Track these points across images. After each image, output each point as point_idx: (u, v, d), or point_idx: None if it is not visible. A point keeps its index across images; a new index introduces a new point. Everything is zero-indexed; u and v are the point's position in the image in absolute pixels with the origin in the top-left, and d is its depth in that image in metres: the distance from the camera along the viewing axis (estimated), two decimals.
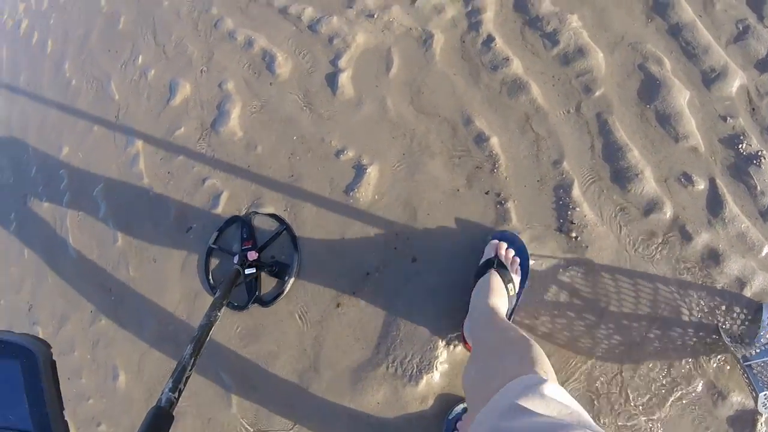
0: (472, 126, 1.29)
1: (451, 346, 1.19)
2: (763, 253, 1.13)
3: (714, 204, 1.17)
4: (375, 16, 1.45)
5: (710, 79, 1.25)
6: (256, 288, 1.32)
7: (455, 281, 1.22)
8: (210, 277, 1.39)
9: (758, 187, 1.17)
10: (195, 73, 1.51)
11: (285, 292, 1.30)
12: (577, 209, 1.20)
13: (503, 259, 1.10)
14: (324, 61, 1.42)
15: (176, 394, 0.89)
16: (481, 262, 1.13)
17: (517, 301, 1.13)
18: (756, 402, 1.02)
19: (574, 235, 1.20)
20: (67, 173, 1.82)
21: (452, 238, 1.25)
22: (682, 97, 1.23)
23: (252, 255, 1.28)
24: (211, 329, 1.05)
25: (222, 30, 1.53)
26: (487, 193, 1.25)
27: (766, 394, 1.02)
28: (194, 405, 1.35)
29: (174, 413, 0.87)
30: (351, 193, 1.31)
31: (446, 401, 1.18)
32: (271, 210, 1.37)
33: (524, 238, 1.23)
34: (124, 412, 1.45)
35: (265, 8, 1.55)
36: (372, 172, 1.31)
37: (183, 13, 1.60)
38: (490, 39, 1.36)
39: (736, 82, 1.24)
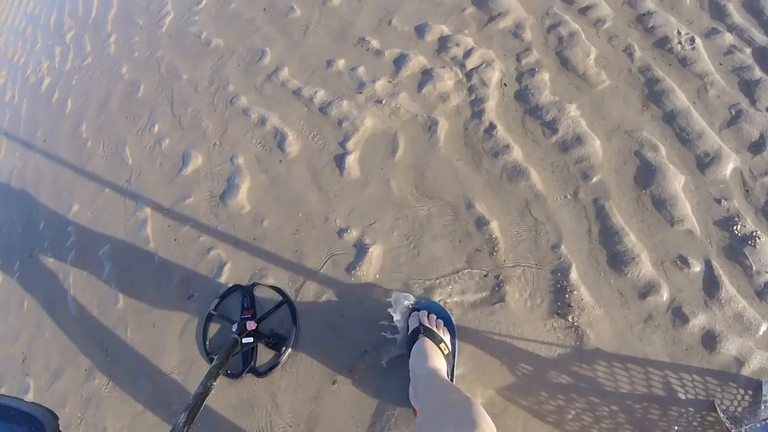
0: (473, 210, 1.31)
1: None
2: (761, 332, 1.11)
3: (710, 285, 1.17)
4: (383, 102, 1.52)
5: (704, 163, 1.29)
6: (252, 358, 1.29)
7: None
8: (207, 344, 1.36)
9: (754, 268, 1.17)
10: (208, 145, 1.55)
11: (280, 364, 1.27)
12: (575, 293, 1.20)
13: (428, 324, 1.13)
14: (333, 142, 1.47)
15: None
16: (408, 333, 1.15)
17: (453, 358, 1.15)
18: None
19: (570, 317, 1.20)
20: (74, 231, 1.82)
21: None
22: (677, 181, 1.25)
23: (251, 324, 1.27)
24: (205, 398, 1.03)
25: (237, 106, 1.59)
26: (486, 276, 1.26)
27: None
28: None
29: None
30: (352, 272, 1.30)
31: None
32: (273, 282, 1.37)
33: (523, 316, 1.23)
34: None
35: (279, 89, 1.62)
36: (374, 252, 1.31)
37: (201, 88, 1.67)
38: (492, 127, 1.42)
39: (730, 165, 1.27)
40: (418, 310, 1.19)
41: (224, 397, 1.32)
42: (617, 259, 1.22)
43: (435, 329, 1.13)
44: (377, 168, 1.40)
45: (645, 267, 1.20)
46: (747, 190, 1.25)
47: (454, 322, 1.20)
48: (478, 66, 1.52)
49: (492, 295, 1.23)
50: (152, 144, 1.64)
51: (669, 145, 1.32)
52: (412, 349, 1.10)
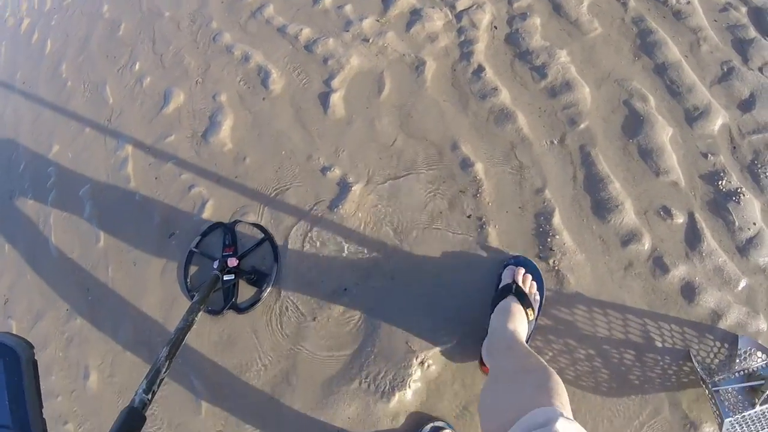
0: (458, 151, 1.29)
1: (425, 365, 1.17)
2: (740, 288, 1.12)
3: (692, 238, 1.18)
4: (370, 40, 1.46)
5: (693, 117, 1.27)
6: (233, 294, 1.29)
7: (433, 302, 1.20)
8: (188, 281, 1.35)
9: (736, 223, 1.17)
10: (190, 83, 1.50)
11: (261, 301, 1.27)
12: (557, 237, 1.20)
13: (522, 285, 1.10)
14: (318, 80, 1.41)
15: (149, 396, 0.88)
16: (499, 286, 1.12)
17: (535, 324, 1.12)
18: (721, 429, 1.02)
19: (551, 261, 1.20)
20: (55, 171, 1.77)
21: (432, 259, 1.23)
22: (664, 133, 1.24)
23: (232, 261, 1.26)
24: (187, 333, 1.02)
25: (220, 44, 1.53)
26: (468, 217, 1.25)
27: (731, 421, 1.01)
28: (164, 409, 1.31)
29: (146, 415, 0.86)
30: (335, 210, 1.28)
31: (417, 420, 1.14)
32: (255, 220, 1.35)
33: (499, 260, 1.23)
34: (92, 413, 1.38)
35: (264, 26, 1.55)
36: (357, 191, 1.29)
37: (183, 26, 1.59)
38: (480, 69, 1.38)
39: (719, 120, 1.26)
40: (516, 265, 1.16)
41: (205, 334, 1.32)
42: (601, 206, 1.21)
43: (527, 291, 1.10)
44: (362, 107, 1.36)
45: (628, 215, 1.20)
46: (734, 147, 1.24)
47: (545, 288, 1.17)
48: (469, 7, 1.47)
49: (475, 235, 1.23)
50: (133, 83, 1.58)
51: (658, 97, 1.30)
52: (498, 306, 1.07)
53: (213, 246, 1.35)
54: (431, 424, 1.11)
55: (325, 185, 1.32)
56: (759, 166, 1.22)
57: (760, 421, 1.04)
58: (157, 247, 1.41)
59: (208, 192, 1.38)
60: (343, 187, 1.30)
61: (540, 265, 1.22)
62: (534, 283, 1.12)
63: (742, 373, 1.05)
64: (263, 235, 1.32)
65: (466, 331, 1.21)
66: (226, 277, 1.24)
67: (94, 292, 1.46)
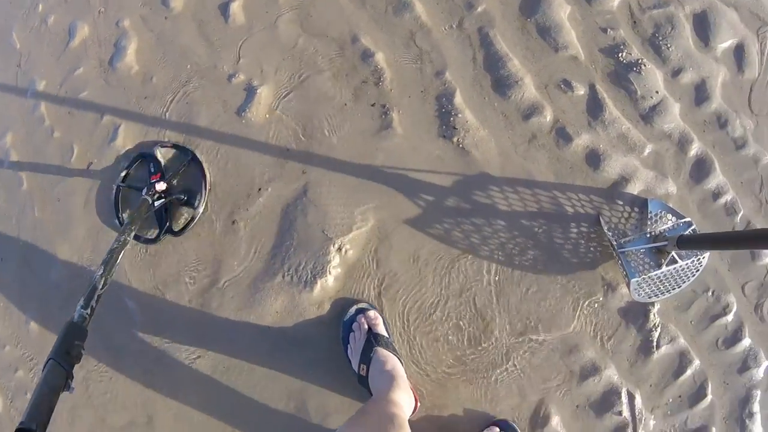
0: (358, 44, 1.31)
1: (343, 251, 1.22)
2: (646, 153, 1.20)
3: (594, 108, 1.24)
4: None
5: None
6: (167, 219, 1.27)
7: (343, 191, 1.24)
8: (120, 216, 1.32)
9: (638, 92, 1.23)
10: (93, 14, 1.47)
11: (195, 219, 1.27)
12: (459, 115, 1.25)
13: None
14: None
15: (88, 311, 0.90)
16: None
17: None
18: (629, 288, 1.07)
19: (455, 139, 1.26)
20: None
21: (341, 151, 1.27)
22: (562, 10, 1.28)
23: (160, 186, 1.23)
24: (120, 252, 1.02)
25: None
26: (373, 105, 1.29)
27: (638, 281, 1.07)
28: (102, 336, 1.32)
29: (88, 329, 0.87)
30: (243, 114, 1.30)
31: (341, 305, 1.20)
32: (173, 140, 1.33)
33: (407, 146, 1.27)
34: (38, 354, 1.37)
35: None
36: (263, 93, 1.30)
37: None
38: None
39: None
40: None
41: (134, 255, 1.32)
42: (501, 83, 1.27)
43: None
44: (262, 12, 1.37)
45: (528, 90, 1.26)
46: (635, 22, 1.30)
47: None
48: None
49: (380, 122, 1.28)
50: (38, 24, 1.53)
51: None
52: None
53: (140, 177, 1.34)
54: (355, 306, 1.17)
55: (232, 91, 1.33)
56: (660, 38, 1.29)
57: (668, 281, 1.11)
58: (78, 179, 1.40)
59: (120, 117, 1.37)
60: (250, 91, 1.32)
61: (445, 144, 1.26)
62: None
63: (648, 235, 1.10)
64: (186, 154, 1.30)
65: (381, 206, 1.24)
66: (156, 203, 1.21)
67: (24, 236, 1.44)
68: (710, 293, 1.18)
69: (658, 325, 1.17)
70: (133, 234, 1.09)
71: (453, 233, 1.20)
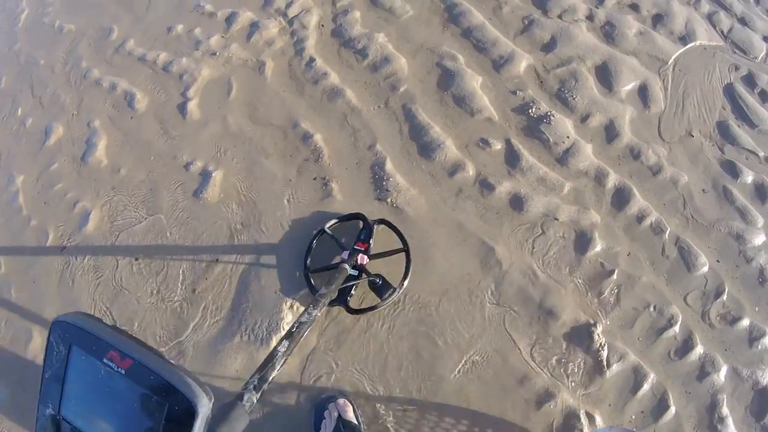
0: (299, 128, 1.48)
1: (294, 308, 1.30)
2: (565, 191, 1.32)
3: (512, 158, 1.37)
4: (217, 53, 1.67)
5: (500, 64, 1.49)
6: (348, 292, 1.21)
7: (293, 255, 1.35)
8: (309, 258, 1.28)
9: (551, 140, 1.37)
10: (67, 116, 1.66)
11: (375, 311, 1.21)
12: (391, 179, 1.38)
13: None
14: (176, 94, 1.59)
15: (258, 394, 0.71)
16: None
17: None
18: None
19: (389, 200, 1.38)
20: None
21: (288, 219, 1.39)
22: (475, 81, 1.46)
23: (362, 258, 1.19)
24: (308, 328, 0.89)
25: (90, 79, 1.70)
26: (314, 179, 1.44)
27: None
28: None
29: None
30: (200, 195, 1.45)
31: (300, 359, 1.26)
32: (137, 216, 1.49)
33: (349, 206, 1.38)
34: (14, 425, 1.40)
35: (127, 58, 1.72)
36: (217, 176, 1.45)
37: (57, 69, 1.76)
38: (312, 60, 1.60)
39: (524, 63, 1.47)
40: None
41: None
42: (426, 148, 1.43)
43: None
44: (215, 108, 1.56)
45: (451, 151, 1.42)
46: (541, 81, 1.48)
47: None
48: (299, 13, 1.71)
49: (322, 192, 1.43)
50: (17, 126, 1.72)
51: (467, 55, 1.55)
52: None
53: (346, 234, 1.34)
54: (327, 394, 1.21)
55: (190, 177, 1.49)
56: (566, 91, 1.46)
57: None
58: (52, 261, 1.52)
59: (91, 204, 1.52)
60: (205, 176, 1.48)
61: (381, 205, 1.40)
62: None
63: None
64: (403, 245, 1.25)
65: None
66: (351, 272, 1.16)
67: (1, 315, 1.54)
68: (652, 308, 1.22)
69: (604, 345, 1.21)
70: (325, 306, 0.98)
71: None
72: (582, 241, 1.32)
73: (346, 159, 1.44)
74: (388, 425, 1.16)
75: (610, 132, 1.43)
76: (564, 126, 1.43)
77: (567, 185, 1.36)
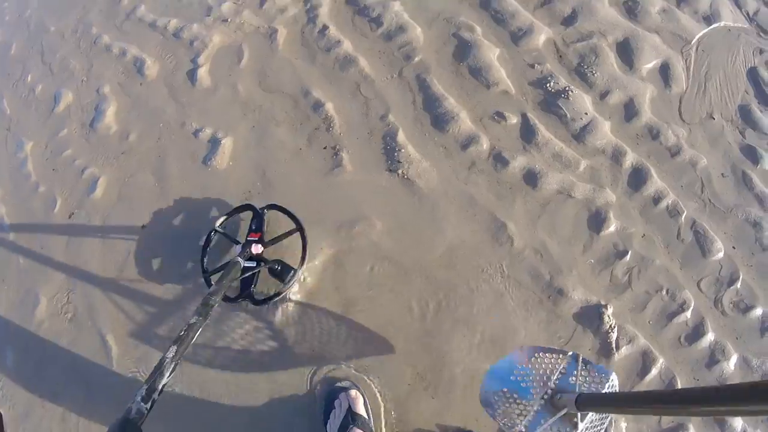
0: (310, 96, 1.45)
1: (302, 278, 1.27)
2: (581, 168, 1.28)
3: (527, 133, 1.33)
4: (229, 20, 1.63)
5: (518, 36, 1.42)
6: (251, 283, 1.18)
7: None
8: (205, 261, 1.25)
9: (568, 116, 1.33)
10: (77, 83, 1.65)
11: (281, 295, 1.19)
12: (403, 151, 1.35)
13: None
14: (185, 60, 1.56)
15: (149, 405, 0.70)
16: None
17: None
18: None
19: (400, 172, 1.36)
20: None
21: (298, 189, 1.37)
22: (492, 53, 1.41)
23: (257, 248, 1.16)
24: (199, 330, 0.86)
25: (100, 45, 1.68)
26: (324, 148, 1.41)
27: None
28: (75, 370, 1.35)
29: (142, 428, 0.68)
30: (208, 162, 1.42)
31: (328, 382, 1.20)
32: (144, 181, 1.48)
33: (356, 181, 1.37)
34: (19, 391, 1.38)
35: (137, 24, 1.69)
36: (226, 144, 1.43)
37: (67, 35, 1.75)
38: (325, 28, 1.55)
39: (543, 36, 1.41)
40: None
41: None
42: (439, 120, 1.39)
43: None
44: (225, 75, 1.53)
45: (465, 123, 1.37)
46: (560, 56, 1.44)
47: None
48: None
49: (332, 162, 1.41)
50: (27, 92, 1.71)
51: (485, 26, 1.49)
52: None
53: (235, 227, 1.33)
54: (339, 384, 1.18)
55: (199, 145, 1.47)
56: (585, 66, 1.42)
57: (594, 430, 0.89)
58: (60, 228, 1.52)
59: (99, 170, 1.51)
60: (214, 143, 1.46)
61: (392, 177, 1.37)
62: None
63: (543, 402, 0.87)
64: (295, 225, 1.22)
65: (335, 236, 1.31)
66: (247, 264, 1.14)
67: (8, 281, 1.54)
68: (664, 292, 1.20)
69: (614, 327, 1.19)
70: (216, 305, 0.93)
71: (406, 253, 1.28)
72: (596, 221, 1.29)
73: (357, 129, 1.41)
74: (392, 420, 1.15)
75: (630, 110, 1.38)
76: (582, 102, 1.39)
77: (583, 163, 1.33)
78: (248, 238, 1.18)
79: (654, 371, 1.17)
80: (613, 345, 1.19)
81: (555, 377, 0.90)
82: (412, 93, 1.43)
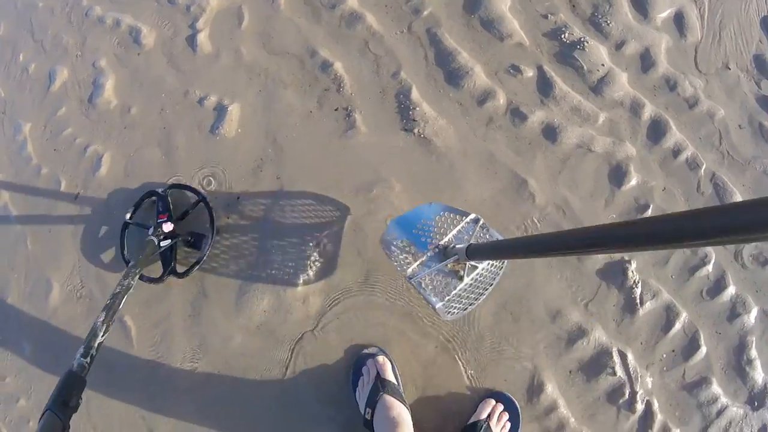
0: (317, 57, 1.39)
1: (321, 246, 1.28)
2: (600, 121, 1.26)
3: (544, 86, 1.30)
4: None
5: None
6: (172, 260, 1.24)
7: (317, 190, 1.30)
8: (125, 253, 1.30)
9: (585, 67, 1.30)
10: (71, 58, 1.57)
11: (201, 263, 1.23)
12: (418, 109, 1.31)
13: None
14: (183, 26, 1.48)
15: (88, 359, 0.88)
16: (470, 421, 1.08)
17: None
18: (439, 314, 0.96)
19: (416, 130, 1.33)
20: None
21: (310, 153, 1.33)
22: (503, 4, 1.35)
23: (167, 226, 1.21)
24: (123, 297, 1.01)
25: (92, 17, 1.59)
26: (336, 110, 1.36)
27: (443, 304, 0.95)
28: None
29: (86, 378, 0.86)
30: (216, 131, 1.37)
31: (323, 299, 1.23)
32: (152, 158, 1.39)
33: (371, 142, 1.34)
34: (38, 379, 1.38)
35: None
36: (233, 111, 1.37)
37: (57, 11, 1.66)
38: None
39: None
40: (496, 400, 1.10)
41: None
42: (453, 75, 1.35)
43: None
44: (227, 39, 1.46)
45: (480, 78, 1.33)
46: (573, 5, 1.39)
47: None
48: None
49: (345, 124, 1.37)
50: (20, 73, 1.64)
51: None
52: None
53: (147, 215, 1.36)
54: (366, 351, 1.17)
55: (205, 113, 1.41)
56: (599, 16, 1.37)
57: (478, 286, 1.00)
58: (66, 210, 1.47)
59: (102, 147, 1.45)
60: (221, 111, 1.41)
61: (407, 136, 1.35)
62: (509, 423, 1.09)
63: (434, 250, 0.96)
64: (197, 196, 1.28)
65: (353, 199, 1.29)
66: (162, 243, 1.19)
67: (18, 270, 1.50)
68: None
69: (638, 282, 1.19)
70: (137, 277, 1.08)
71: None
72: (617, 175, 1.28)
73: (369, 88, 1.37)
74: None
75: (646, 61, 1.35)
76: (598, 53, 1.35)
77: (602, 115, 1.30)
78: (158, 221, 1.24)
79: (678, 325, 1.17)
80: (638, 300, 1.19)
81: (452, 233, 0.98)
82: (424, 48, 1.38)
